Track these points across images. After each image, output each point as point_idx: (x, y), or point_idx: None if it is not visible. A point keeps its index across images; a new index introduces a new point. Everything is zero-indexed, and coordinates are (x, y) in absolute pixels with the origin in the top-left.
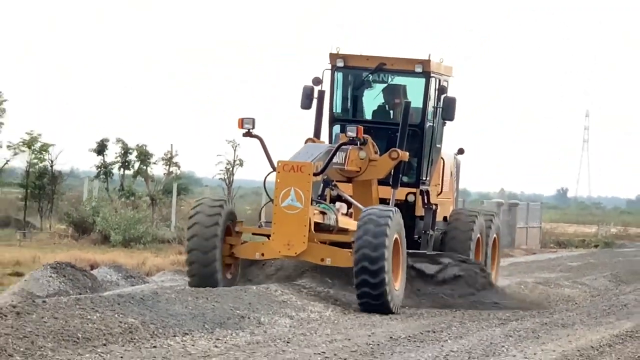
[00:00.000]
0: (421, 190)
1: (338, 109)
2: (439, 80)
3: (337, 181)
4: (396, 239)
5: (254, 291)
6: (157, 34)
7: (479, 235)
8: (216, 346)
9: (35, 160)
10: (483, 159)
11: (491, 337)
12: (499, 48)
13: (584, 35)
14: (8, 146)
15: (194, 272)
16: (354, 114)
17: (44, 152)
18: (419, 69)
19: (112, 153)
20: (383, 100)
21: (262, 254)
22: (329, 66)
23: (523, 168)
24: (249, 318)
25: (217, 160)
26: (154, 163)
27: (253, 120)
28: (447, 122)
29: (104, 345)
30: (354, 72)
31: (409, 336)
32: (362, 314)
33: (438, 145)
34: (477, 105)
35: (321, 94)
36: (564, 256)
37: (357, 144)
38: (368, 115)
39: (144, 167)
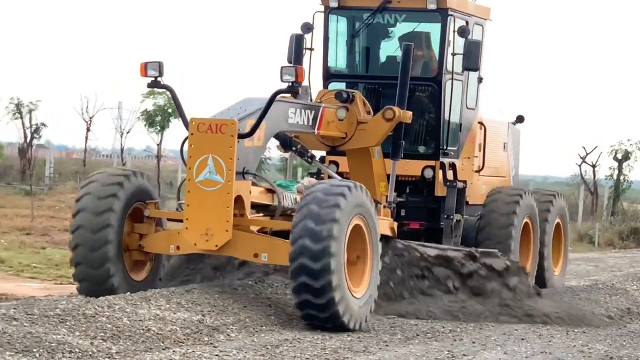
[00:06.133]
0: (442, 163)
1: (334, 61)
2: (467, 22)
3: (326, 152)
4: (357, 225)
5: None
6: None
7: (526, 220)
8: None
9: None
10: None
11: None
12: None
13: None
14: None
15: (81, 276)
16: (356, 67)
17: None
18: (432, 5)
19: None
20: (396, 52)
21: (178, 247)
22: (321, 7)
23: None
24: None
25: None
26: None
27: (160, 64)
28: (479, 76)
29: None
30: (353, 14)
31: (609, 316)
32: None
33: (470, 107)
34: None
35: (300, 38)
36: None
37: (297, 92)
38: (375, 70)
39: None
